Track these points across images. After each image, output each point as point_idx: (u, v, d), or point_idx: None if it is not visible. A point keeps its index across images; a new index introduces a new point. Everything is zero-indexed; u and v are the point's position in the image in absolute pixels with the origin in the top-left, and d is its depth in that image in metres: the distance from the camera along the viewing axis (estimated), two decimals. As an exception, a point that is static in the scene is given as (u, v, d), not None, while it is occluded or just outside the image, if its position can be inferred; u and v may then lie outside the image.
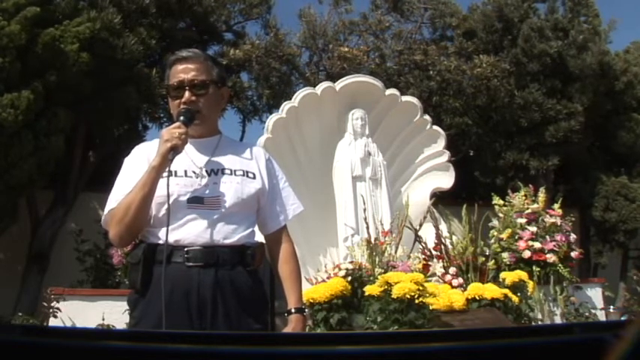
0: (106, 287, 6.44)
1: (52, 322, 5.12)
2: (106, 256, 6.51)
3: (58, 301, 5.21)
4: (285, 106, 5.99)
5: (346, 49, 9.22)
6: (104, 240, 6.41)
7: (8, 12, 6.08)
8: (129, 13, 7.52)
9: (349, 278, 4.46)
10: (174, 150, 1.60)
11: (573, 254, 5.91)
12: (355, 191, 5.77)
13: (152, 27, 7.86)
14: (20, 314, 5.90)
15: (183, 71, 1.73)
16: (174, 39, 8.07)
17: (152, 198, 1.62)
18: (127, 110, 7.51)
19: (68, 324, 5.03)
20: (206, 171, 1.70)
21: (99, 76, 6.73)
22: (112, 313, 5.00)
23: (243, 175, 1.74)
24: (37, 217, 7.72)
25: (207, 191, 1.67)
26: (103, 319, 5.03)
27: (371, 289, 4.20)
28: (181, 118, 1.67)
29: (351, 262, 4.74)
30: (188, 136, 1.65)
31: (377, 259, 4.81)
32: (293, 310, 1.74)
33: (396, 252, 5.03)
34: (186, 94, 1.71)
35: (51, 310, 5.14)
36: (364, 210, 5.36)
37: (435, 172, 6.52)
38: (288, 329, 1.72)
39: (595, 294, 6.27)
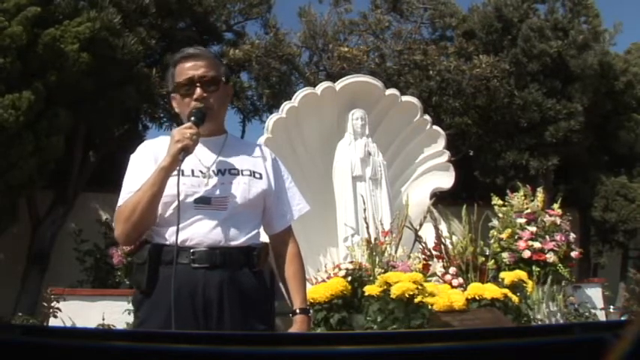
0: (106, 287, 6.44)
1: (52, 322, 5.12)
2: (106, 256, 6.51)
3: (58, 301, 5.21)
4: (285, 106, 5.99)
5: (346, 49, 9.22)
6: (104, 240, 6.43)
7: (9, 12, 6.08)
8: (129, 13, 7.52)
9: (349, 278, 4.46)
10: (185, 151, 1.58)
11: (573, 254, 5.91)
12: (355, 191, 5.77)
13: (152, 27, 7.87)
14: (20, 314, 5.89)
15: (193, 68, 1.70)
16: (174, 39, 8.08)
17: (160, 198, 1.60)
18: (127, 110, 7.52)
19: (68, 324, 5.03)
20: (213, 171, 1.68)
21: (99, 76, 6.74)
22: (112, 313, 5.01)
23: (250, 175, 1.72)
24: (37, 217, 7.72)
25: (214, 191, 1.65)
26: (103, 319, 5.03)
27: (371, 289, 4.21)
28: (192, 118, 1.64)
29: (351, 262, 4.74)
30: (197, 142, 1.62)
31: (377, 259, 4.82)
32: (298, 311, 1.73)
33: (396, 252, 5.04)
34: (198, 90, 1.68)
35: (51, 310, 5.14)
36: (364, 210, 5.36)
37: (435, 172, 6.52)
38: (293, 330, 1.71)
39: (595, 294, 6.28)
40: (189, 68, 1.71)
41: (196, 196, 1.64)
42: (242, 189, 1.68)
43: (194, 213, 1.62)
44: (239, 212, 1.66)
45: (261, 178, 1.74)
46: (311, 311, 1.85)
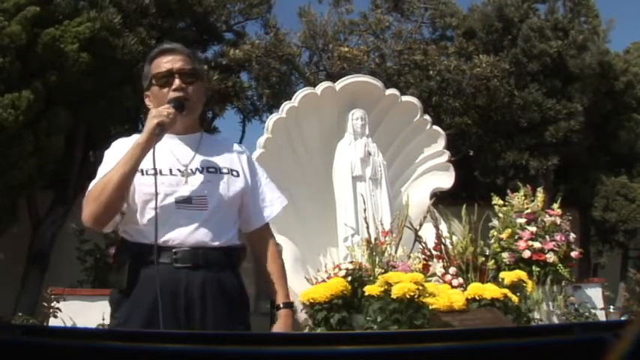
0: (106, 287, 6.40)
1: (52, 322, 5.12)
2: (106, 256, 6.50)
3: (58, 301, 5.22)
4: (285, 106, 5.99)
5: (346, 49, 9.22)
6: (104, 240, 6.41)
7: (9, 12, 6.09)
8: (129, 13, 7.53)
9: (349, 278, 4.46)
10: (161, 126, 1.57)
11: (573, 254, 5.91)
12: (355, 191, 5.77)
13: (152, 27, 7.86)
14: (20, 314, 5.90)
15: (171, 61, 1.71)
16: (174, 39, 8.06)
17: (133, 177, 1.57)
18: (127, 110, 7.52)
19: (68, 324, 5.03)
20: (191, 169, 1.67)
21: (99, 75, 6.74)
22: (112, 313, 4.99)
23: (228, 173, 1.71)
24: (37, 217, 7.72)
25: (194, 190, 1.64)
26: (103, 319, 5.01)
27: (371, 289, 4.20)
28: (171, 104, 1.64)
29: (351, 262, 4.74)
30: (174, 122, 1.61)
31: (377, 259, 4.81)
32: (282, 306, 1.74)
33: (396, 252, 5.03)
34: (177, 81, 1.68)
35: (51, 310, 5.15)
36: (364, 210, 5.36)
37: (435, 172, 6.52)
38: (278, 324, 1.72)
39: (595, 294, 6.27)
40: (168, 62, 1.71)
41: (176, 195, 1.62)
42: (221, 187, 1.67)
43: (175, 213, 1.60)
44: (219, 211, 1.65)
45: (238, 175, 1.73)
46: (294, 305, 1.85)
